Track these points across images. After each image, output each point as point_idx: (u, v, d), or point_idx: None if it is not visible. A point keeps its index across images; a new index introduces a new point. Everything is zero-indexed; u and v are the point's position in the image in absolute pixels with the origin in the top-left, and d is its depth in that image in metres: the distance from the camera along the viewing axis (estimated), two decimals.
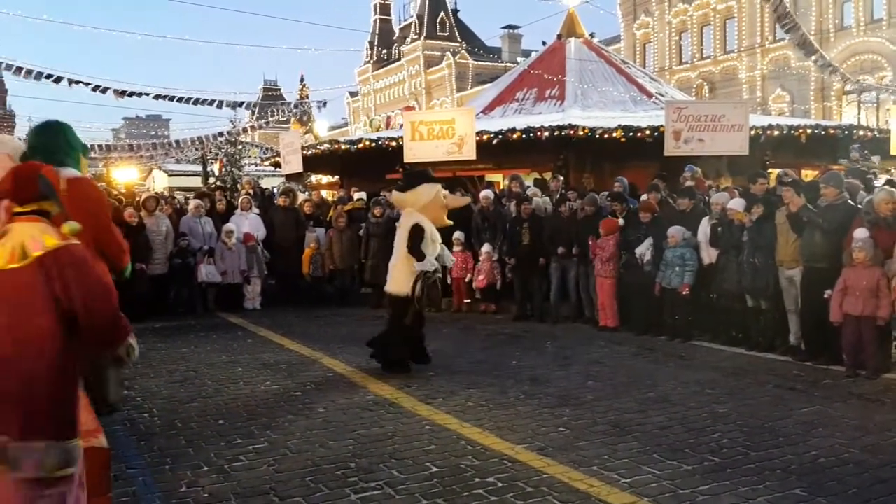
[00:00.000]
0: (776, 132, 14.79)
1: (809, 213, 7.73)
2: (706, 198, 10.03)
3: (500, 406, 6.27)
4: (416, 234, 7.32)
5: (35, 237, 2.98)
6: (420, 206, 7.45)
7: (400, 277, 7.42)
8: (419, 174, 8.08)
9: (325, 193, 19.18)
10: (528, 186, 12.11)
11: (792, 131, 15.02)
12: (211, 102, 23.43)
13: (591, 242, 9.86)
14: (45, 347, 2.90)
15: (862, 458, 4.94)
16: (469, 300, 11.60)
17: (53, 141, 6.02)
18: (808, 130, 15.21)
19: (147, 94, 21.52)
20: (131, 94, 20.90)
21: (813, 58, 18.93)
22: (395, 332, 7.56)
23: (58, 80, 18.74)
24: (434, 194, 7.50)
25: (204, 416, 6.09)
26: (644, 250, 9.32)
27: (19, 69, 18.61)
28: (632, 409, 6.16)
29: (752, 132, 13.36)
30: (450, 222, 7.99)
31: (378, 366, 7.80)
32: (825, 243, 7.61)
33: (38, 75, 18.56)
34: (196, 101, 23.24)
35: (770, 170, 13.43)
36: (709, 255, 8.95)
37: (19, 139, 5.90)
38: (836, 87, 33.28)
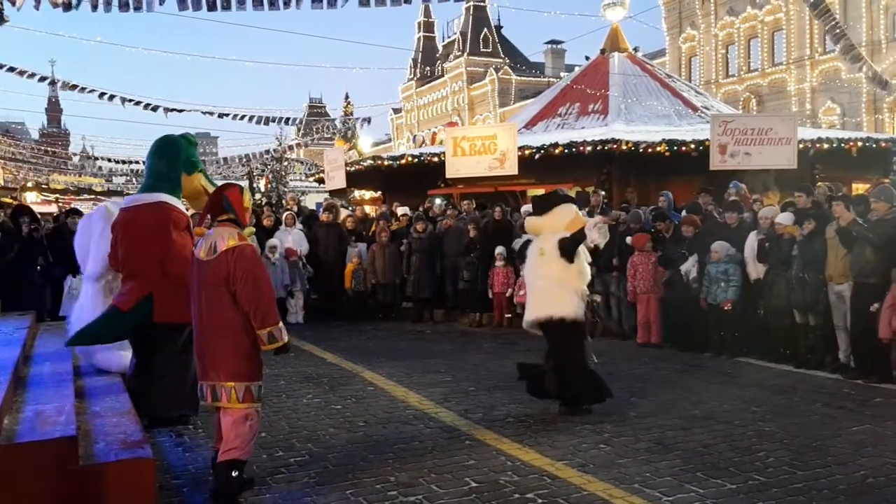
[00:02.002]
0: (826, 145, 14.52)
1: (859, 228, 7.56)
2: (751, 213, 9.87)
3: (540, 422, 6.23)
4: (570, 243, 6.52)
5: (223, 238, 4.58)
6: (563, 228, 6.63)
7: (565, 298, 6.48)
8: (553, 196, 7.16)
9: (367, 209, 19.33)
10: None
11: (842, 144, 14.73)
12: (259, 120, 23.86)
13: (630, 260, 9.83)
14: (229, 312, 4.49)
15: None
16: (511, 315, 11.57)
17: (154, 165, 6.43)
18: (859, 143, 14.91)
19: (196, 111, 22.03)
20: (181, 111, 21.39)
21: (860, 66, 18.51)
22: (572, 363, 6.57)
23: (111, 97, 19.28)
24: (575, 213, 6.75)
25: None
26: (689, 267, 9.21)
27: (74, 86, 19.22)
28: (675, 426, 6.07)
29: (801, 145, 13.14)
30: (592, 244, 7.21)
31: (417, 380, 7.82)
32: (875, 258, 7.43)
33: (91, 92, 19.13)
34: (243, 118, 23.70)
35: (819, 183, 13.19)
36: (756, 270, 8.79)
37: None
38: (889, 99, 32.49)
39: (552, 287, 6.53)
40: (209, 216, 4.93)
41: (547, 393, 6.68)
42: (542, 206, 6.89)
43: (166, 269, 5.79)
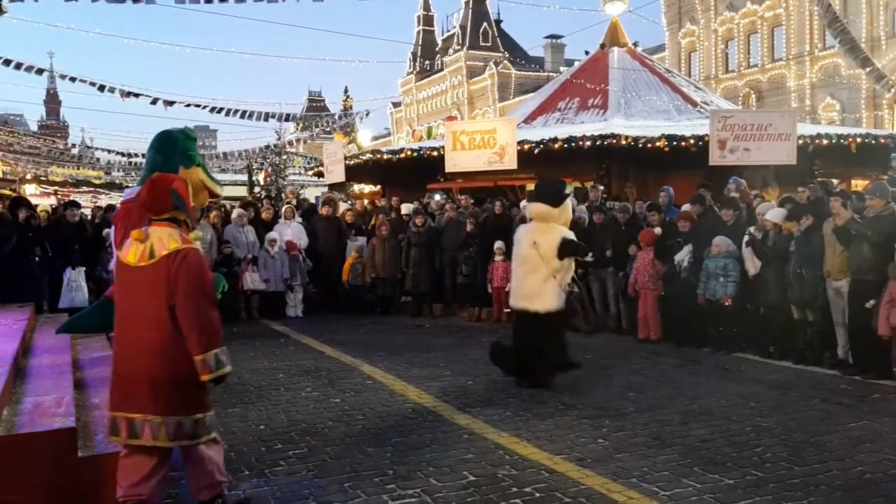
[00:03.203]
0: (825, 141, 14.51)
1: (857, 227, 7.56)
2: (746, 208, 9.88)
3: (538, 416, 6.24)
4: (573, 243, 7.19)
5: (163, 240, 3.78)
6: (563, 221, 7.28)
7: (551, 292, 7.09)
8: (560, 189, 7.53)
9: (366, 202, 19.32)
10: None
11: (841, 140, 14.72)
12: (259, 116, 23.76)
13: (632, 252, 9.88)
14: (164, 330, 3.69)
15: None
16: (510, 310, 11.56)
17: (152, 158, 6.43)
18: (859, 140, 14.90)
19: (196, 106, 21.94)
20: (184, 105, 21.30)
21: (864, 66, 18.52)
22: (552, 349, 7.22)
23: (111, 89, 19.23)
24: (570, 213, 7.43)
25: (245, 421, 6.18)
26: (683, 257, 9.23)
27: (73, 79, 19.15)
28: (673, 421, 6.08)
29: (801, 141, 13.13)
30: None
31: (415, 374, 7.85)
32: (873, 255, 7.44)
33: (91, 84, 19.06)
34: (244, 114, 23.60)
35: (817, 179, 13.20)
36: (753, 266, 8.80)
37: None
38: (888, 95, 32.50)
39: (541, 280, 7.09)
40: (145, 214, 4.06)
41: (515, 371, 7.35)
42: (556, 197, 7.22)
43: None
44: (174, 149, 6.33)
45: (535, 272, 7.11)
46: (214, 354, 3.71)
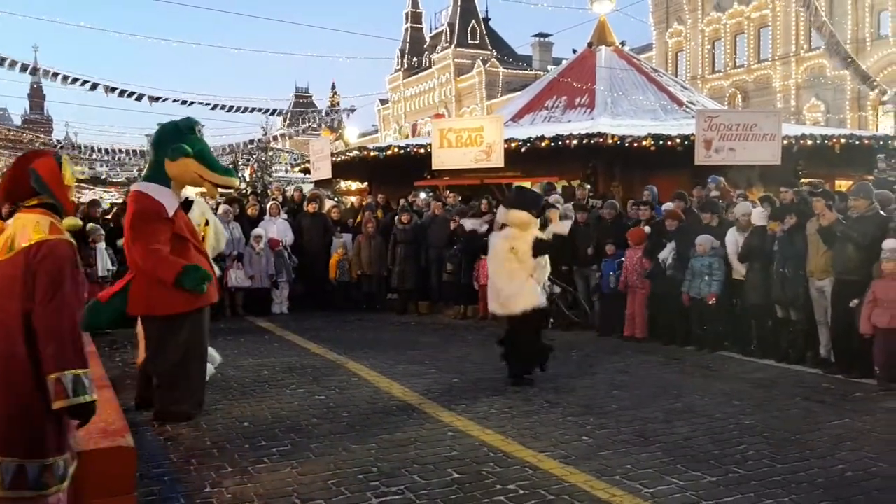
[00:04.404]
0: (809, 142, 14.60)
1: (843, 228, 7.61)
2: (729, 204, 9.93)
3: (522, 414, 6.25)
4: (545, 241, 7.39)
5: (26, 229, 2.98)
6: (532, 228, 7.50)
7: (533, 290, 7.28)
8: (539, 198, 7.88)
9: (352, 199, 19.27)
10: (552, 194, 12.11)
11: (826, 141, 14.83)
12: (244, 110, 23.67)
13: (608, 251, 10.03)
14: (11, 342, 2.88)
15: (891, 472, 4.85)
16: None
17: (150, 153, 6.42)
18: (843, 140, 15.01)
19: (181, 102, 21.82)
20: (165, 101, 21.19)
21: (848, 67, 18.68)
22: (533, 344, 7.44)
23: (94, 86, 19.08)
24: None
25: (229, 417, 6.15)
26: (666, 255, 9.27)
27: (56, 75, 18.98)
28: (657, 419, 6.10)
29: (786, 142, 13.21)
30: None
31: (401, 371, 7.84)
32: (857, 255, 7.49)
33: (75, 81, 18.91)
34: (229, 109, 23.51)
35: (802, 180, 13.29)
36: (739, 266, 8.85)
37: None
38: (873, 96, 32.74)
39: (521, 282, 7.23)
40: (8, 201, 3.23)
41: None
42: (540, 206, 7.56)
43: (134, 261, 5.80)
44: (160, 141, 6.29)
45: (514, 277, 7.25)
46: (74, 375, 2.83)
